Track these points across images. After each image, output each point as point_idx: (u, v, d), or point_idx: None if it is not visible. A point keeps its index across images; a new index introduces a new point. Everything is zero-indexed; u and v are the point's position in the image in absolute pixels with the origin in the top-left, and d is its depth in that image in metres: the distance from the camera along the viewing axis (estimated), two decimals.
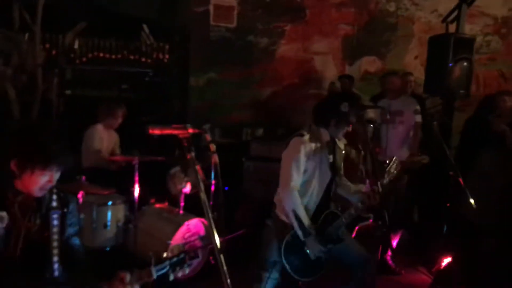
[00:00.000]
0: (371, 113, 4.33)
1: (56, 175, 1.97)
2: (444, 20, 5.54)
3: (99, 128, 4.84)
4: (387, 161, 3.10)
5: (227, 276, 1.79)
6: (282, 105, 6.89)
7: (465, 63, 4.99)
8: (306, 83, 7.00)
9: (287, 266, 2.96)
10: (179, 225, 4.05)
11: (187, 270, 2.16)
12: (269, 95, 6.96)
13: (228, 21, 6.75)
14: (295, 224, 2.95)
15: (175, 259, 2.16)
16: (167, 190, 4.61)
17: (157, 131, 1.88)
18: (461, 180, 3.84)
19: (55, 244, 2.00)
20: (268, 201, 3.30)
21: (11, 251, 1.93)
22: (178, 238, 4.05)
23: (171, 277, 2.14)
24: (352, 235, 3.19)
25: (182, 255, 2.16)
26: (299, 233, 2.94)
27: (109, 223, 4.17)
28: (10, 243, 1.93)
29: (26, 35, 6.16)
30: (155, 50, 7.24)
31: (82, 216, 3.99)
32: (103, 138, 4.83)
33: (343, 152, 3.25)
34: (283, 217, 3.07)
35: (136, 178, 4.15)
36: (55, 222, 2.02)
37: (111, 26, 6.82)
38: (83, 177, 4.13)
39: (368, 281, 3.01)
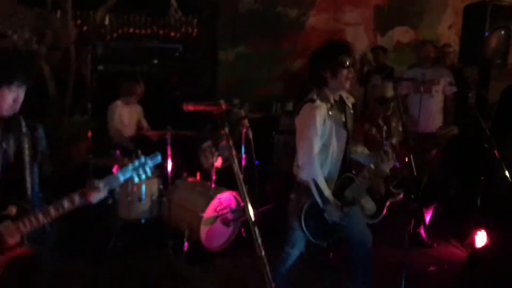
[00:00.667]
0: (386, 90, 4.10)
1: (22, 94, 2.16)
2: None
3: (118, 104, 4.86)
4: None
5: (262, 248, 1.82)
6: None
7: (502, 32, 4.82)
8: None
9: (307, 233, 2.98)
10: (211, 198, 4.12)
11: (149, 173, 2.27)
12: (299, 68, 6.89)
13: None
14: (315, 193, 2.88)
15: (136, 163, 2.25)
16: (199, 164, 4.68)
17: (191, 108, 1.90)
18: (496, 152, 3.75)
19: (27, 166, 2.19)
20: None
21: None
22: (210, 211, 4.13)
23: (136, 180, 2.26)
24: (383, 211, 3.13)
25: (143, 158, 2.26)
26: (319, 201, 2.88)
27: (143, 197, 4.28)
28: None
29: (58, 12, 6.25)
30: (183, 25, 7.25)
31: (117, 190, 4.11)
32: (123, 115, 4.86)
33: (351, 112, 3.06)
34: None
35: (169, 152, 4.22)
36: (26, 146, 2.20)
37: (140, 2, 6.86)
38: (117, 152, 4.23)
39: (367, 261, 3.01)
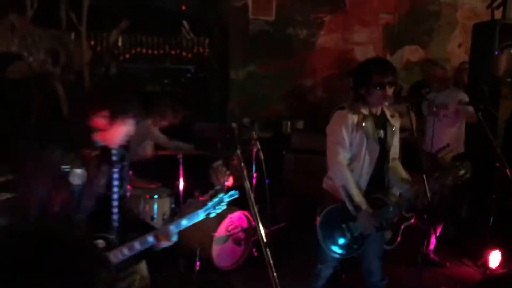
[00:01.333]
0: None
1: (133, 128, 2.12)
2: (489, 6, 5.38)
3: (149, 124, 4.80)
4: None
5: (274, 269, 1.84)
6: (322, 97, 6.87)
7: (511, 51, 4.84)
8: (346, 74, 6.94)
9: (323, 243, 2.96)
10: (222, 217, 4.14)
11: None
12: (309, 87, 6.95)
13: (267, 14, 6.76)
14: (346, 200, 2.85)
15: (216, 200, 2.35)
16: (211, 183, 4.71)
17: (205, 131, 1.94)
18: (508, 171, 3.74)
19: (115, 196, 2.13)
20: (309, 193, 3.29)
21: (84, 207, 2.05)
22: (221, 230, 4.15)
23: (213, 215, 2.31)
24: (398, 238, 3.08)
25: (221, 196, 2.34)
26: (351, 208, 2.84)
27: (155, 216, 4.31)
28: (84, 199, 2.04)
29: (73, 34, 6.39)
30: (195, 45, 7.37)
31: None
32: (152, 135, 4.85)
33: (394, 129, 3.01)
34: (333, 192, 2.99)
35: (181, 172, 4.27)
36: (116, 176, 2.12)
37: (153, 23, 6.98)
38: (130, 172, 4.28)
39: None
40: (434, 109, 4.57)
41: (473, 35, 5.18)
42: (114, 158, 2.13)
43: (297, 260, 3.95)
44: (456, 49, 7.06)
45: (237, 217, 4.29)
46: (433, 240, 4.45)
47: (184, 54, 7.27)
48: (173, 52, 7.28)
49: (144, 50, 7.17)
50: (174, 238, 2.16)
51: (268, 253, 1.85)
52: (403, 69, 6.88)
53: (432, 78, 4.93)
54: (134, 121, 2.08)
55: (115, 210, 2.12)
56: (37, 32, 6.08)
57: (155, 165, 4.86)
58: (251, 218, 4.27)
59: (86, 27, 6.25)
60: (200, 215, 2.23)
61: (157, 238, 2.09)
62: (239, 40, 6.79)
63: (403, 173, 3.06)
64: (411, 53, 7.03)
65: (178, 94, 7.05)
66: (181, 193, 4.32)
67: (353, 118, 2.89)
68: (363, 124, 2.89)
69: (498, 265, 4.19)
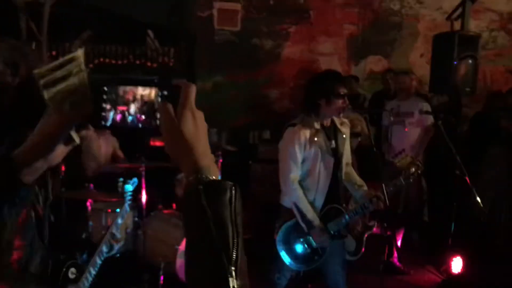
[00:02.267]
0: (354, 124, 3.96)
1: None
2: (448, 18, 5.53)
3: (92, 134, 4.80)
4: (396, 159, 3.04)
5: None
6: (289, 107, 6.90)
7: (470, 61, 4.97)
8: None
9: (283, 256, 2.96)
10: None
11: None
12: (276, 97, 6.97)
13: (232, 25, 6.78)
14: (298, 217, 2.89)
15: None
16: (174, 195, 4.64)
17: (158, 143, 1.90)
18: (467, 178, 3.83)
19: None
20: (276, 204, 3.29)
21: None
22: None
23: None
24: (362, 248, 3.11)
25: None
26: (303, 225, 2.88)
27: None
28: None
29: (33, 44, 6.23)
30: (160, 55, 7.28)
31: (91, 223, 4.04)
32: (99, 146, 4.80)
33: (344, 137, 3.08)
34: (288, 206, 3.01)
35: (143, 184, 4.18)
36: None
37: (117, 32, 6.88)
38: (91, 185, 4.17)
39: None
40: (393, 118, 4.64)
41: (434, 46, 5.30)
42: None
43: (260, 269, 3.91)
44: (418, 59, 7.22)
45: None
46: (396, 247, 4.50)
47: (149, 64, 7.18)
48: (138, 62, 7.17)
49: (107, 60, 7.04)
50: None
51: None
52: (366, 79, 7.00)
53: (400, 85, 4.99)
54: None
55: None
56: None
57: (116, 177, 4.76)
58: None
59: (47, 37, 6.11)
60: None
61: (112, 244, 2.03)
62: (205, 50, 6.77)
63: (357, 179, 3.13)
64: (374, 63, 7.15)
65: None
66: (144, 206, 4.24)
67: (306, 134, 2.92)
68: (315, 139, 2.92)
69: (460, 271, 4.26)
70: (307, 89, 3.08)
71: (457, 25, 5.41)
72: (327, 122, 3.02)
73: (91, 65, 6.99)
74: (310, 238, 2.93)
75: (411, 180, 3.07)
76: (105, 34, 6.83)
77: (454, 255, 4.28)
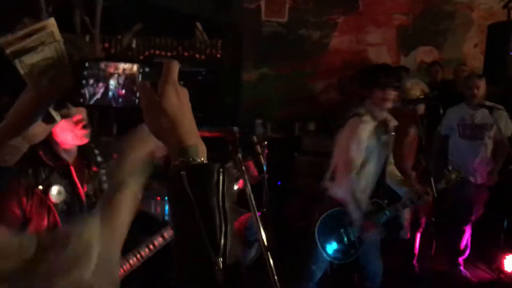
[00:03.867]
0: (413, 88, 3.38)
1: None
2: (505, 6, 5.29)
3: None
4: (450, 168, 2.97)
5: (274, 273, 1.82)
6: (335, 98, 6.83)
7: None
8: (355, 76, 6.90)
9: (320, 247, 2.96)
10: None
11: None
12: (322, 89, 6.91)
13: (279, 16, 6.76)
14: (353, 207, 2.85)
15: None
16: None
17: (205, 134, 1.93)
18: None
19: None
20: (320, 196, 3.28)
21: None
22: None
23: None
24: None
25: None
26: (356, 216, 2.86)
27: (166, 218, 4.32)
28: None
29: (87, 37, 6.46)
30: (208, 47, 7.38)
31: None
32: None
33: (392, 134, 3.02)
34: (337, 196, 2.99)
35: None
36: (104, 178, 1.84)
37: (166, 25, 7.02)
38: None
39: None
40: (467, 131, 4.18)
41: (488, 35, 5.10)
42: (98, 158, 1.93)
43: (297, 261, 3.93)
44: (472, 50, 6.96)
45: (244, 218, 4.28)
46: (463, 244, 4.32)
47: (197, 56, 7.29)
48: (186, 54, 7.30)
49: (157, 52, 7.21)
50: None
51: (269, 256, 1.82)
52: (417, 70, 6.80)
53: (471, 91, 4.09)
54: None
55: None
56: None
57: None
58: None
59: (100, 30, 6.33)
60: None
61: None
62: (252, 42, 6.80)
63: (399, 176, 3.10)
64: (425, 54, 6.94)
65: (190, 96, 7.07)
66: None
67: (371, 125, 2.89)
68: (377, 131, 2.91)
69: None
70: (356, 80, 3.06)
71: None
72: (383, 115, 2.98)
73: (141, 57, 7.18)
74: (351, 228, 2.92)
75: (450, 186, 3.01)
76: (155, 27, 6.99)
77: (507, 252, 4.14)
